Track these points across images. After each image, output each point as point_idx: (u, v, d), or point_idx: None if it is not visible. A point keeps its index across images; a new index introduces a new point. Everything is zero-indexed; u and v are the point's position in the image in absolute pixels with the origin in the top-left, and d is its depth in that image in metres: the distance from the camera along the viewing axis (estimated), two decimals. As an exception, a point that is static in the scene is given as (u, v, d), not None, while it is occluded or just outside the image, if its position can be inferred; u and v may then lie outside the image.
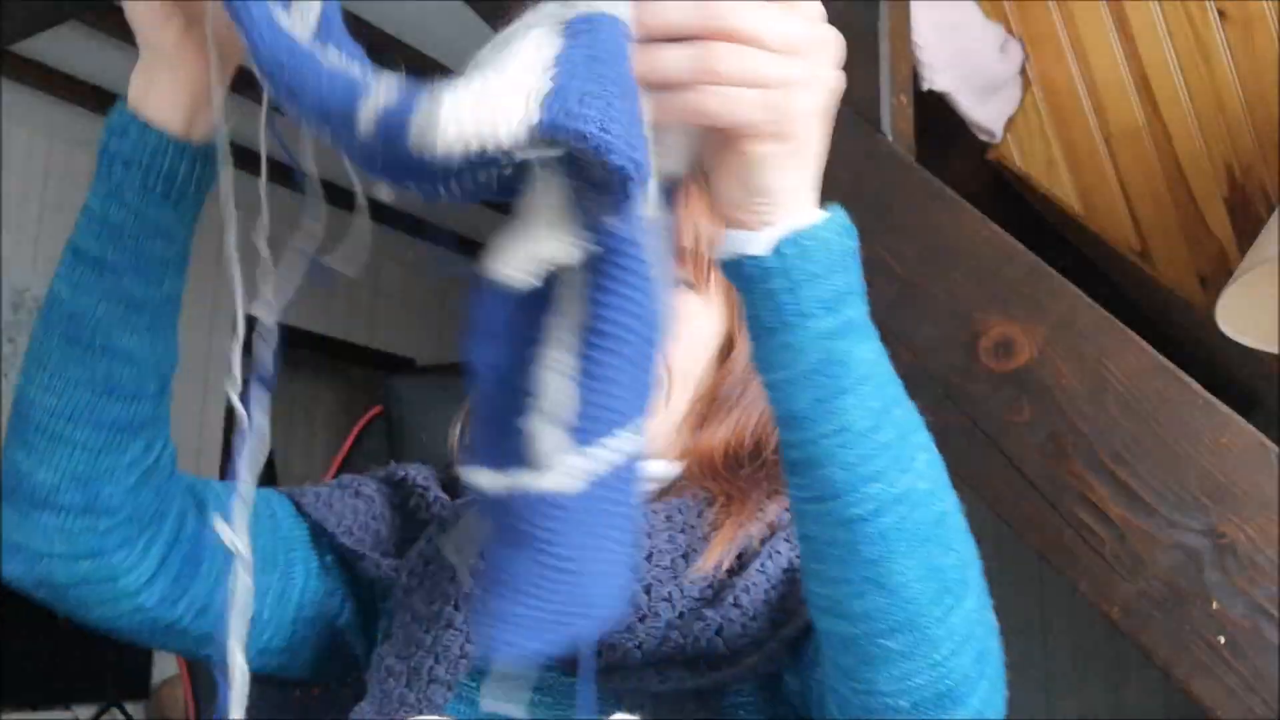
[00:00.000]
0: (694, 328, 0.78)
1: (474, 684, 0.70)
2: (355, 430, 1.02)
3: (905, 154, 1.26)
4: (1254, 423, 1.06)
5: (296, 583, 0.77)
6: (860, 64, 1.28)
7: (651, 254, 0.47)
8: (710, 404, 0.80)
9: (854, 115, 1.26)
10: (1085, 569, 1.08)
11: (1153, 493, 1.06)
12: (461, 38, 3.59)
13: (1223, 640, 1.02)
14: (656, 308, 0.48)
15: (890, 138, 1.26)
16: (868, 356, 0.52)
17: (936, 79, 1.65)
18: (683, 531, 0.74)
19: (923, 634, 0.53)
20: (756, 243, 0.51)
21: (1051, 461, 1.11)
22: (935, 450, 0.55)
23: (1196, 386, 1.07)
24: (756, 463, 0.79)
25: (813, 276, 0.51)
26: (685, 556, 0.72)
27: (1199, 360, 1.80)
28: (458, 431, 0.85)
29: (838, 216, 0.53)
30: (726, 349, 0.81)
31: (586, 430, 0.46)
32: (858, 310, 0.53)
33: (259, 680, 0.79)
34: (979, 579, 0.56)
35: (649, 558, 0.72)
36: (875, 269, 1.21)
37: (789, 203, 0.51)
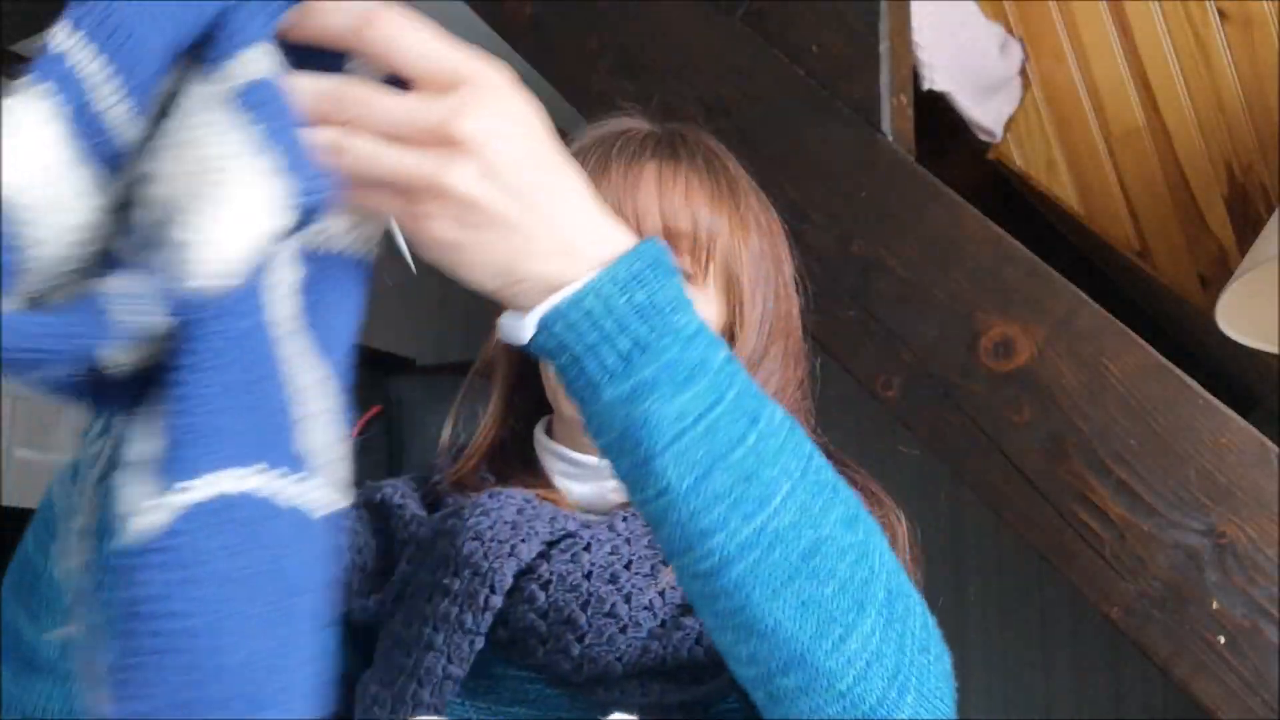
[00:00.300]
0: None
1: (462, 702, 0.69)
2: (355, 430, 1.02)
3: (905, 154, 1.26)
4: (1254, 423, 1.06)
5: None
6: (860, 64, 1.28)
7: (264, 295, 0.42)
8: None
9: (854, 115, 1.26)
10: (1085, 569, 1.08)
11: (1153, 493, 1.06)
12: (462, 38, 3.62)
13: (1223, 640, 1.02)
14: (267, 348, 0.43)
15: (890, 138, 1.26)
16: (677, 411, 0.48)
17: (936, 79, 1.65)
18: None
19: (815, 669, 0.50)
20: (523, 328, 0.48)
21: (1051, 461, 1.11)
22: (811, 465, 0.52)
23: (1196, 386, 1.07)
24: None
25: (590, 348, 0.47)
26: (665, 561, 0.70)
27: (1199, 360, 1.81)
28: (448, 433, 0.84)
29: (616, 268, 0.48)
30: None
31: (173, 469, 0.39)
32: (657, 363, 0.48)
33: None
34: (883, 594, 0.52)
35: (628, 565, 0.70)
36: (875, 269, 1.21)
37: (536, 276, 0.47)
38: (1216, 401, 1.07)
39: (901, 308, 1.19)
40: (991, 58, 1.93)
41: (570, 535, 0.72)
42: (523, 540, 0.70)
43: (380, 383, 1.10)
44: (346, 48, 0.45)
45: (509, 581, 0.68)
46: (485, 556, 0.69)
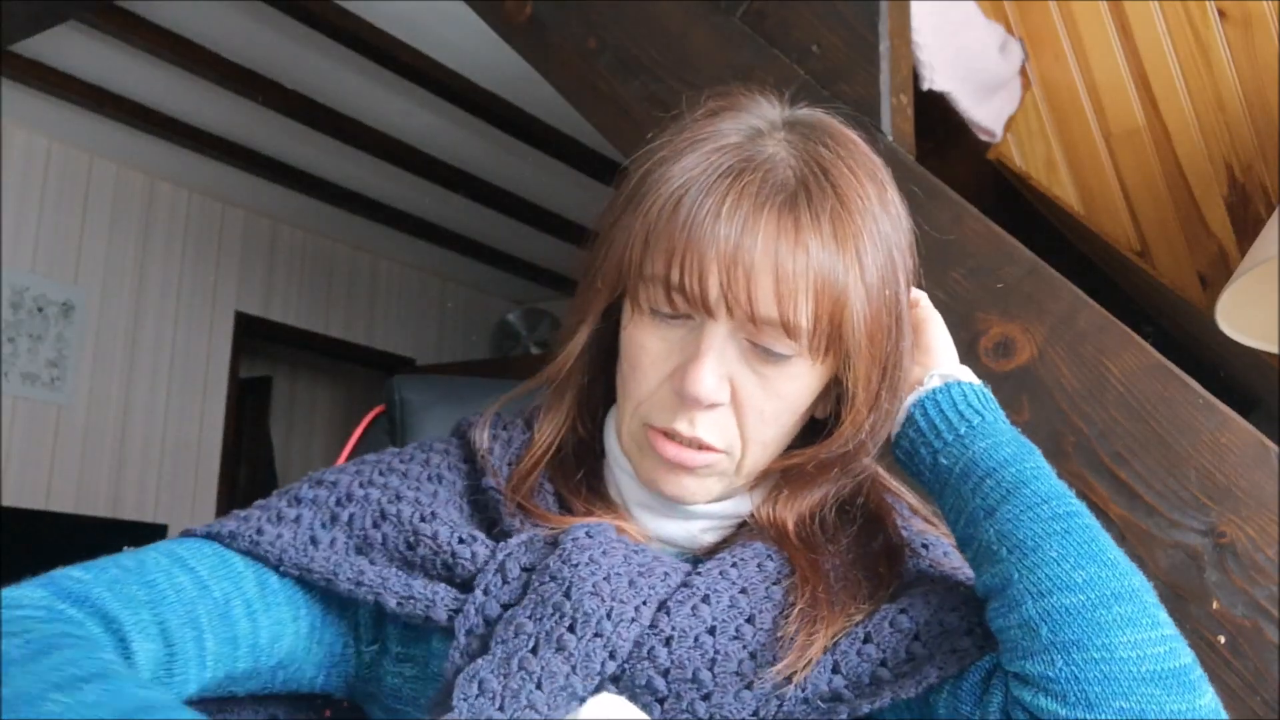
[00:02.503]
0: (786, 389, 0.69)
1: None
2: (357, 430, 1.02)
3: (905, 154, 1.26)
4: (1254, 423, 1.06)
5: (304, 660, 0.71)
6: (860, 64, 1.28)
7: None
8: (797, 475, 0.73)
9: (854, 115, 1.26)
10: (1085, 569, 1.08)
11: (1153, 493, 1.06)
12: (461, 38, 3.58)
13: (1223, 640, 1.02)
14: None
15: (890, 138, 1.26)
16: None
17: (936, 79, 1.65)
18: (749, 620, 0.67)
19: (1143, 606, 0.61)
20: None
21: (1051, 461, 1.10)
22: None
23: (1196, 386, 1.07)
24: (837, 539, 0.73)
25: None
26: (754, 655, 0.65)
27: (1199, 360, 1.81)
28: (485, 437, 0.78)
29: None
30: (823, 418, 0.74)
31: None
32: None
33: (278, 700, 0.73)
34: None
35: (750, 620, 0.66)
36: (875, 269, 1.21)
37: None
38: (1216, 401, 1.07)
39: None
40: (991, 58, 1.93)
41: (684, 583, 0.68)
42: (644, 602, 0.65)
43: (380, 383, 1.10)
44: None
45: (630, 647, 0.64)
46: (609, 617, 0.64)
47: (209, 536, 0.69)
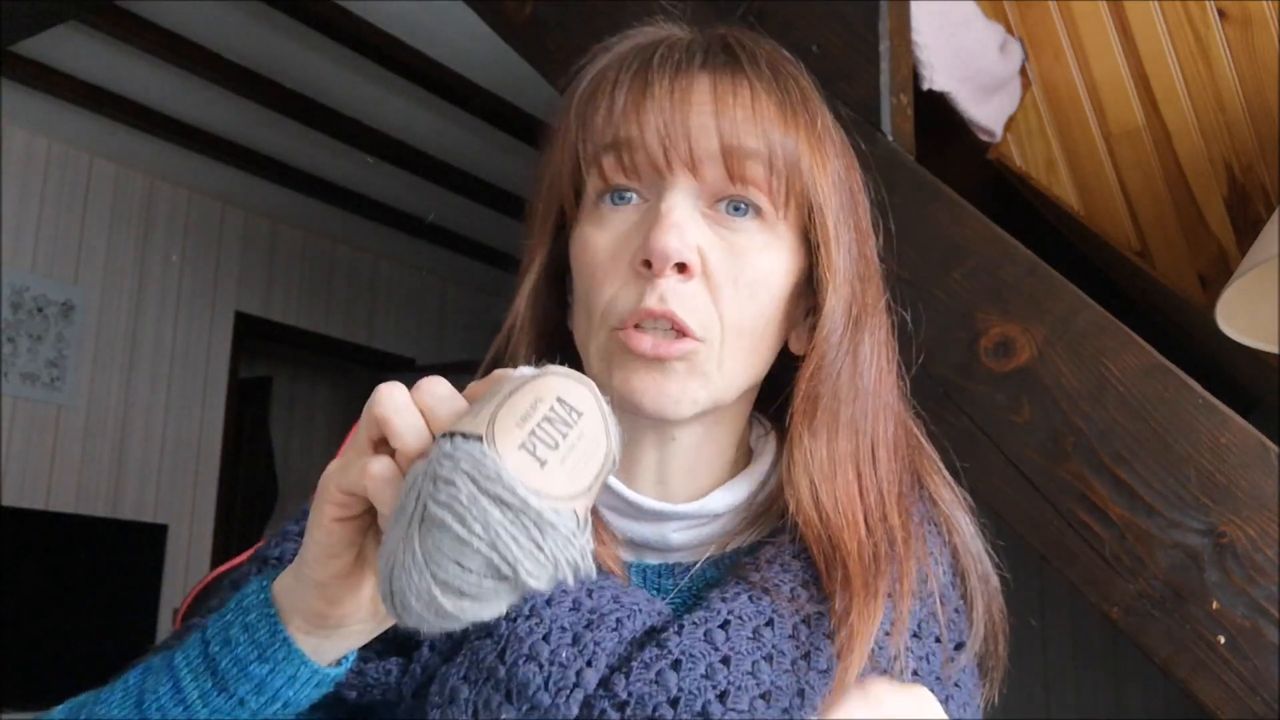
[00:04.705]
0: (756, 259, 0.63)
1: None
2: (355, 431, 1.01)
3: (905, 154, 1.26)
4: (1254, 423, 1.06)
5: None
6: (860, 64, 1.28)
7: None
8: (810, 399, 0.64)
9: (854, 115, 1.26)
10: (1085, 569, 1.08)
11: (1153, 493, 1.06)
12: (462, 38, 3.57)
13: (1223, 640, 1.02)
14: None
15: (890, 138, 1.26)
16: None
17: (936, 79, 1.65)
18: (786, 670, 0.57)
19: None
20: None
21: (1051, 461, 1.11)
22: None
23: (1196, 386, 1.07)
24: (886, 524, 0.63)
25: None
26: (767, 695, 0.56)
27: (1199, 360, 1.80)
28: None
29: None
30: (806, 307, 0.67)
31: None
32: None
33: None
34: None
35: (723, 696, 0.56)
36: (875, 269, 1.21)
37: None
38: (1216, 401, 1.07)
39: (901, 308, 1.19)
40: (991, 58, 1.92)
41: (656, 641, 0.58)
42: (588, 663, 0.57)
43: (380, 383, 1.09)
44: None
45: (575, 716, 0.56)
46: (546, 687, 0.56)
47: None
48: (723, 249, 0.63)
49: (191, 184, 4.13)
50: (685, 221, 0.61)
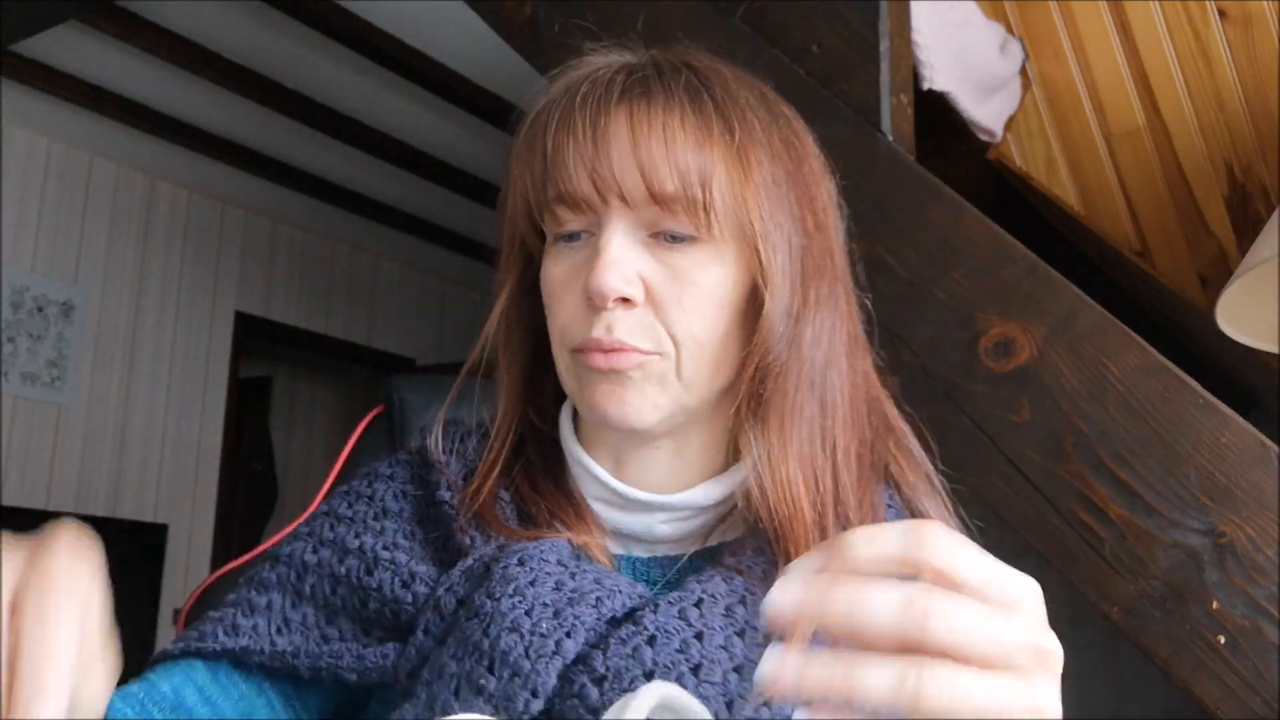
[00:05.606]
0: (698, 277, 0.66)
1: None
2: (356, 431, 1.02)
3: (905, 154, 1.26)
4: (1254, 423, 1.06)
5: None
6: (860, 64, 1.28)
7: None
8: (753, 398, 0.66)
9: (854, 115, 1.26)
10: (1085, 569, 1.08)
11: (1153, 493, 1.06)
12: (462, 38, 3.57)
13: (1223, 640, 1.02)
14: None
15: (890, 138, 1.26)
16: None
17: (936, 79, 1.65)
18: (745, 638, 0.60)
19: None
20: None
21: (1051, 461, 1.11)
22: None
23: (1196, 386, 1.07)
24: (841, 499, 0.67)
25: None
26: (740, 669, 0.59)
27: (1199, 360, 1.81)
28: (438, 442, 0.75)
29: None
30: (754, 309, 0.68)
31: None
32: None
33: None
34: None
35: (696, 669, 0.58)
36: (875, 269, 1.21)
37: None
38: (1216, 401, 1.07)
39: (901, 308, 1.19)
40: (991, 58, 1.93)
41: (632, 619, 0.61)
42: (568, 634, 0.59)
43: (380, 383, 1.10)
44: (898, 571, 0.42)
45: (553, 683, 0.58)
46: (526, 655, 0.58)
47: (187, 654, 0.71)
48: (665, 274, 0.66)
49: (191, 184, 4.13)
50: (623, 256, 0.65)
